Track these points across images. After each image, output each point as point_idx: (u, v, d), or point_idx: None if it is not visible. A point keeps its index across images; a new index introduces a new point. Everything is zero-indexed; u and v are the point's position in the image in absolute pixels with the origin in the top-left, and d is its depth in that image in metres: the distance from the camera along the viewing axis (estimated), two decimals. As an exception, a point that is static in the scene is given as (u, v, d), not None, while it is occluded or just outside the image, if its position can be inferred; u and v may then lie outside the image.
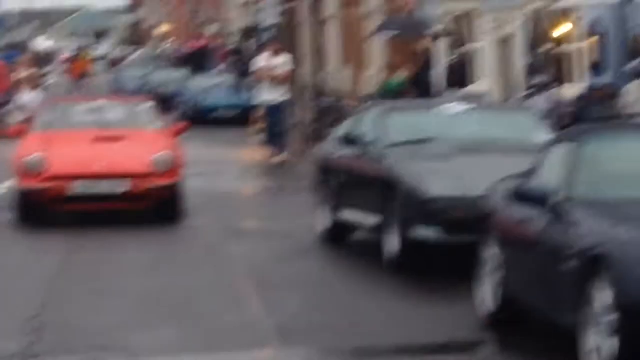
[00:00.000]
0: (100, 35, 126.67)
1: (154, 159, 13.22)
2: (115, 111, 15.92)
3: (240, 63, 48.70)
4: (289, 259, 13.12)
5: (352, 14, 47.74)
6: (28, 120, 23.98)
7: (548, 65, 27.89)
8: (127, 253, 13.19)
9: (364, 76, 43.05)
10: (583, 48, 27.27)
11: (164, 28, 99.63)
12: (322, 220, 13.93)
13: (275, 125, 23.67)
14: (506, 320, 9.67)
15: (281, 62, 24.41)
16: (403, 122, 13.91)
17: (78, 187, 12.80)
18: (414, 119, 14.42)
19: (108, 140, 14.02)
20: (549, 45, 28.13)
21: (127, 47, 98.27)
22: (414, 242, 11.55)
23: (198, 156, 22.62)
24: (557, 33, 27.35)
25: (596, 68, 26.46)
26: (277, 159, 24.14)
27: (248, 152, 27.61)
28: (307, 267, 12.90)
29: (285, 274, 12.22)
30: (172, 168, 13.27)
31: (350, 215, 13.17)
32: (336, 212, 13.45)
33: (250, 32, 64.29)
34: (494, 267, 9.79)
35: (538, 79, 23.91)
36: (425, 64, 27.77)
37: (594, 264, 7.70)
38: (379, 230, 12.23)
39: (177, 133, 15.71)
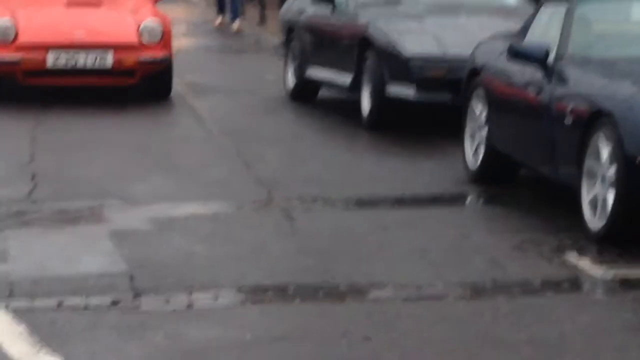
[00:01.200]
0: None
1: (143, 27, 11.63)
2: None
3: None
4: (260, 114, 13.01)
5: None
6: None
7: None
8: (96, 114, 12.24)
9: None
10: None
11: None
12: (291, 78, 13.85)
13: None
14: (491, 176, 9.80)
15: None
16: None
17: (58, 59, 11.23)
18: None
19: (84, 4, 12.10)
20: None
21: None
22: (389, 100, 11.62)
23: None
24: None
25: None
26: (234, 25, 23.29)
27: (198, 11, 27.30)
28: (278, 123, 12.89)
29: (259, 129, 12.12)
30: (163, 38, 11.82)
31: (320, 73, 13.10)
32: (305, 70, 13.36)
33: None
34: (478, 125, 9.92)
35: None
36: None
37: (596, 118, 7.90)
38: (352, 88, 12.21)
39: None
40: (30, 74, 11.27)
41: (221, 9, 24.01)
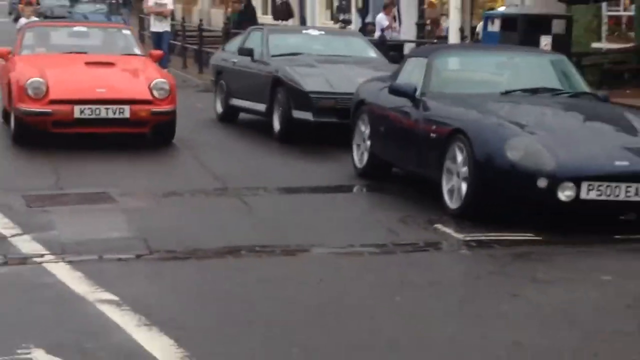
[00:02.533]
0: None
1: (153, 85, 10.27)
2: (97, 36, 12.49)
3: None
4: (200, 131, 12.83)
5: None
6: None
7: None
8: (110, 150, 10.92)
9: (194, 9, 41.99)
10: None
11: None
12: (219, 106, 13.77)
13: (159, 46, 22.13)
14: (371, 174, 9.76)
15: (165, 2, 23.60)
16: (280, 40, 13.82)
17: (83, 112, 9.80)
18: (287, 37, 14.47)
19: (100, 65, 10.70)
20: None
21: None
22: (294, 121, 11.61)
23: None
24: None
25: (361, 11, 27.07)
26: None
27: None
28: (215, 136, 12.76)
29: (203, 141, 11.93)
30: (170, 94, 10.48)
31: (242, 103, 13.06)
32: (230, 100, 13.32)
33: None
34: (363, 139, 9.83)
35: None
36: (249, 3, 27.72)
37: (454, 134, 8.00)
38: (266, 114, 12.24)
39: (156, 59, 12.09)
40: (58, 124, 9.92)
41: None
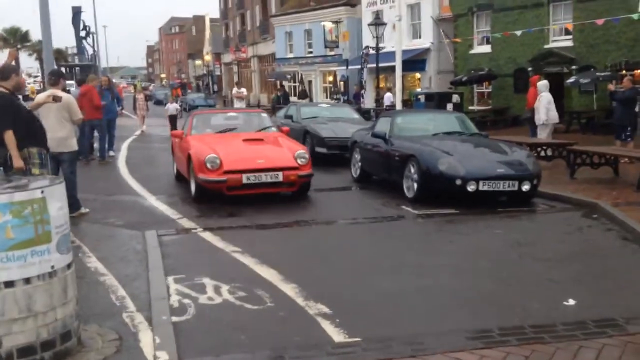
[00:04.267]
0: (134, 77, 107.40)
1: (297, 155, 8.32)
2: (245, 119, 10.22)
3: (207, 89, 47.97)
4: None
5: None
6: (172, 121, 19.08)
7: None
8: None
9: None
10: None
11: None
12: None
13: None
14: (362, 180, 9.70)
15: (242, 90, 22.93)
16: (306, 109, 13.96)
17: (249, 178, 7.89)
18: (310, 108, 14.50)
19: (254, 142, 8.71)
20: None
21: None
22: (317, 154, 11.42)
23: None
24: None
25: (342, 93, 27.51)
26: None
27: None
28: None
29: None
30: (308, 162, 8.36)
31: None
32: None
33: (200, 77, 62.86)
34: (357, 161, 9.84)
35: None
36: (284, 91, 28.18)
37: (410, 157, 8.06)
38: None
39: (286, 133, 9.81)
40: (231, 188, 7.92)
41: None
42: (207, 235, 6.36)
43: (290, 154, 8.38)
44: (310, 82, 35.15)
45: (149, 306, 4.14)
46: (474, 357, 3.41)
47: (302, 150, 8.47)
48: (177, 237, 6.38)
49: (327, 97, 31.56)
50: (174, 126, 18.35)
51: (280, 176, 8.05)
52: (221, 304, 4.29)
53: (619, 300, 4.35)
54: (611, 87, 12.30)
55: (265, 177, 8.00)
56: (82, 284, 4.41)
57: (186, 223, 7.02)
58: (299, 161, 8.23)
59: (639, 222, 6.32)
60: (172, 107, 20.24)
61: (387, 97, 23.54)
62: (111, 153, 13.72)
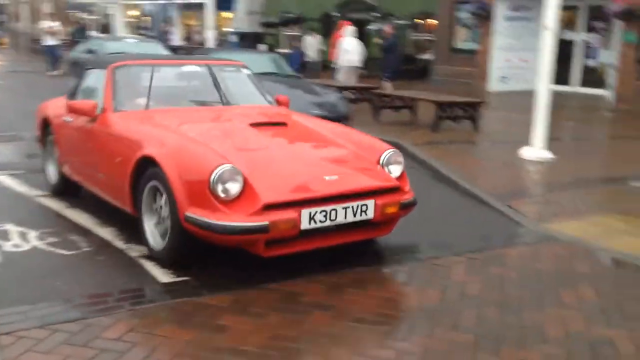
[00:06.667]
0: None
1: (385, 160, 3.95)
2: (220, 79, 4.79)
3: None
4: None
5: None
6: None
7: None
8: None
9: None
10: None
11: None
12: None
13: (53, 55, 17.71)
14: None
15: (56, 23, 19.24)
16: (112, 44, 12.57)
17: (314, 218, 3.42)
18: (116, 43, 13.00)
19: (277, 131, 4.18)
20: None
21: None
22: None
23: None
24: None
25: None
26: (54, 73, 17.38)
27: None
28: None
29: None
30: (404, 174, 4.11)
31: None
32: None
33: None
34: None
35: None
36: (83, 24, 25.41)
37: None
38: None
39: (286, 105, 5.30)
40: (273, 243, 3.43)
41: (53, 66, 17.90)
42: (4, 179, 5.88)
43: (372, 156, 4.08)
44: (109, 15, 32.71)
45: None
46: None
47: (391, 150, 4.14)
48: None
49: (130, 33, 29.52)
50: None
51: (370, 208, 3.73)
52: (30, 251, 4.03)
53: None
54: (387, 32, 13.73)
55: (344, 214, 3.64)
56: None
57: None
58: (393, 173, 4.05)
59: (436, 159, 6.88)
60: None
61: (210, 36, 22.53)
62: None
